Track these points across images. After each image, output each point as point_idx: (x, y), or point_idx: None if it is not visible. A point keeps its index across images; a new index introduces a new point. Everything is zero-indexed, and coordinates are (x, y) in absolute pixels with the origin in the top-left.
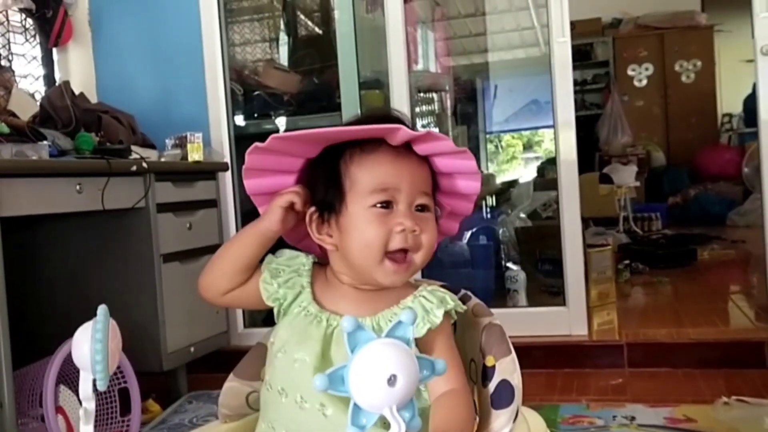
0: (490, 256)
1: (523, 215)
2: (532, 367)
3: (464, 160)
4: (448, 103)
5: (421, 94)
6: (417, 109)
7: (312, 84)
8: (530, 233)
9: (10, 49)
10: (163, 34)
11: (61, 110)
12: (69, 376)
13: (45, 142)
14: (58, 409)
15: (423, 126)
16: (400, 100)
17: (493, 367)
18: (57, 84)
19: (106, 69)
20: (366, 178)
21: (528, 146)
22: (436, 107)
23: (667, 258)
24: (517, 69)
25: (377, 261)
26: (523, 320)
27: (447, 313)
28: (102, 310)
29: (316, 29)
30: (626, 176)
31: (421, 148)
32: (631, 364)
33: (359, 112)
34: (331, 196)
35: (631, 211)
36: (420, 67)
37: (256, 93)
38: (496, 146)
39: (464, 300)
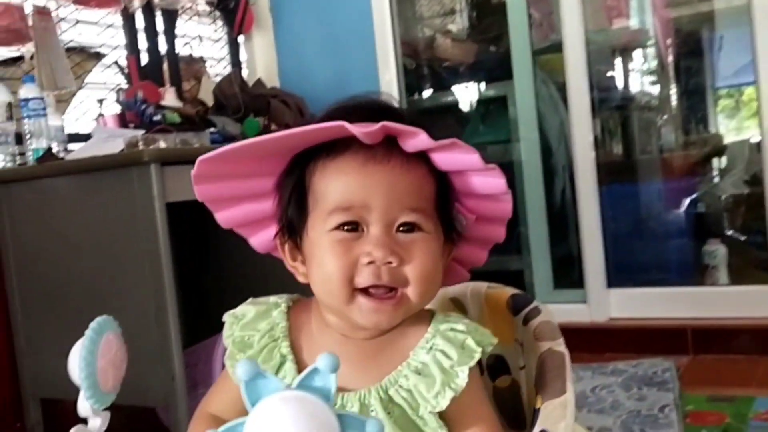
0: (690, 227)
1: (738, 180)
2: (732, 352)
3: (490, 178)
4: (669, 59)
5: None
6: (611, 72)
7: (487, 53)
8: (742, 201)
9: (200, 39)
10: (337, 16)
11: (231, 98)
12: None
13: (208, 130)
14: None
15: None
16: (575, 64)
17: (539, 410)
18: (230, 72)
19: (287, 54)
20: (327, 193)
21: None
22: (651, 65)
23: None
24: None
25: (344, 299)
26: (724, 300)
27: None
28: (96, 323)
29: None
30: None
31: (410, 146)
32: None
33: (532, 78)
34: (294, 215)
35: None
36: (633, 21)
37: (432, 66)
38: (737, 101)
39: (532, 315)
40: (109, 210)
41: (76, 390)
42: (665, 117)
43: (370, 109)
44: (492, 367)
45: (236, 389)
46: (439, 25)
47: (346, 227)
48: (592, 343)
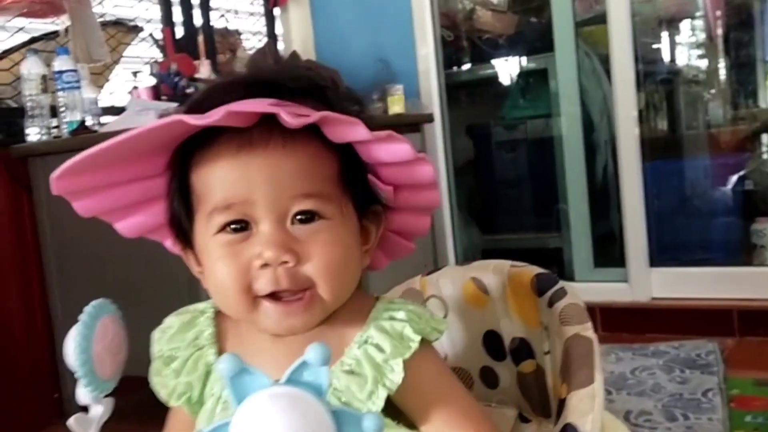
0: (738, 205)
1: None
2: None
3: (391, 145)
4: (718, 31)
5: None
6: (657, 44)
7: (528, 24)
8: None
9: (236, 12)
10: None
11: None
12: None
13: None
14: None
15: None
16: (620, 37)
17: (565, 400)
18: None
19: (323, 26)
20: (205, 191)
21: None
22: (700, 37)
23: None
24: None
25: (246, 308)
26: None
27: (422, 342)
28: (91, 306)
29: None
30: None
31: (285, 120)
32: None
33: (574, 50)
34: (183, 219)
35: None
36: None
37: (471, 38)
38: None
39: (557, 296)
40: None
41: None
42: (713, 91)
43: (251, 84)
44: (516, 351)
45: (187, 419)
46: None
47: (231, 227)
48: (632, 323)
